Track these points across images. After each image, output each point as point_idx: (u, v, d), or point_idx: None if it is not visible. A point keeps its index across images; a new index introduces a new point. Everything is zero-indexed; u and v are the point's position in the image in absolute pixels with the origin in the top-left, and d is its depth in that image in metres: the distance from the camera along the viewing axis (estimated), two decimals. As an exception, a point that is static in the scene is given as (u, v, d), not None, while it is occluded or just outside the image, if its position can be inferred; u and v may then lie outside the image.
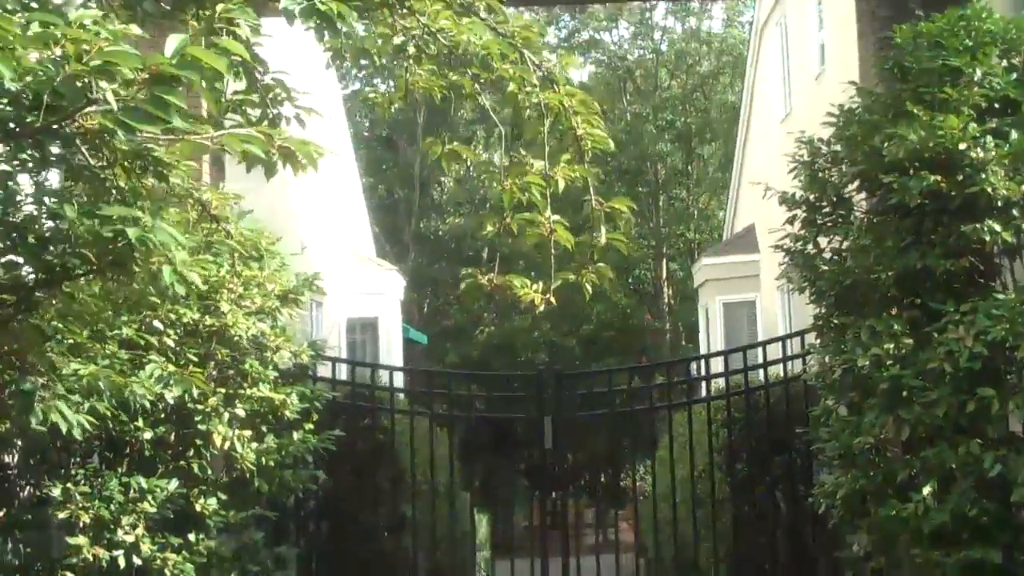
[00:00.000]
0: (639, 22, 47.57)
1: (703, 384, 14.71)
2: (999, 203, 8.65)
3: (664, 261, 45.35)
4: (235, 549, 9.55)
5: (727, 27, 47.06)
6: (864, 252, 9.22)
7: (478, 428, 19.65)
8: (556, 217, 7.57)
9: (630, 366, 21.90)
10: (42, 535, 8.86)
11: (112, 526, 8.68)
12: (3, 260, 6.00)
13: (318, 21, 5.90)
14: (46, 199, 5.91)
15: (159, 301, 8.26)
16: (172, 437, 9.43)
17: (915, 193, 8.75)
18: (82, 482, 8.87)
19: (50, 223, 5.90)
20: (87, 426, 7.18)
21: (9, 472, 8.98)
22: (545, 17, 45.45)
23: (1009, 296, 8.51)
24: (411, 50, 7.63)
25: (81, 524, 8.60)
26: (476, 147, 41.70)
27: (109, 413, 8.02)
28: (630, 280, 45.65)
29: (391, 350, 25.31)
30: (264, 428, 10.09)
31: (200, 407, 9.38)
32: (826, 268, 9.59)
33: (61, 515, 8.61)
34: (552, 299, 7.67)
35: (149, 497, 8.85)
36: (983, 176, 8.59)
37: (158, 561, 8.82)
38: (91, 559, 8.52)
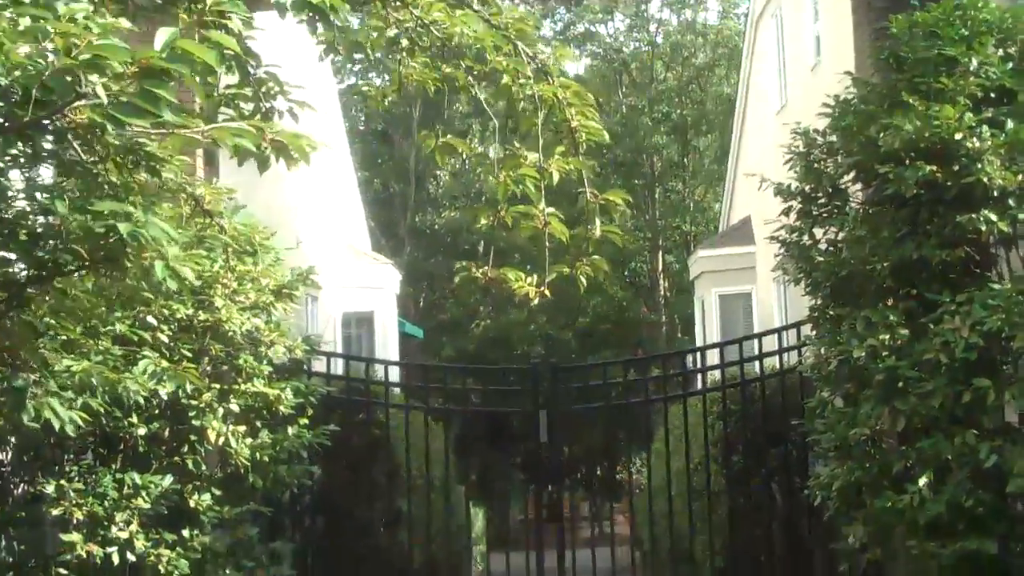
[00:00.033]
0: (634, 14, 47.50)
1: (699, 376, 14.69)
2: (995, 193, 8.65)
3: (660, 253, 45.30)
4: (229, 545, 9.53)
5: (722, 19, 46.96)
6: (860, 243, 9.21)
7: (474, 422, 19.59)
8: (551, 210, 7.56)
9: (626, 359, 21.80)
10: (36, 532, 8.86)
11: (106, 522, 8.67)
12: (-5, 256, 5.98)
13: (310, 14, 5.88)
14: (37, 195, 5.88)
15: (152, 297, 8.23)
16: (166, 433, 9.41)
17: (911, 183, 8.74)
18: (76, 479, 8.87)
19: (41, 219, 5.87)
20: (80, 423, 7.15)
21: (3, 469, 8.97)
22: (540, 10, 45.41)
23: (1005, 286, 8.50)
24: (404, 43, 7.61)
25: (75, 521, 8.59)
26: (472, 141, 41.61)
27: (102, 409, 8.00)
28: (626, 273, 45.60)
29: (387, 344, 25.27)
30: (258, 423, 10.07)
31: (194, 403, 9.36)
32: (822, 259, 9.58)
33: (55, 512, 8.62)
34: (546, 292, 7.67)
35: (143, 493, 8.83)
36: (979, 166, 8.58)
37: (152, 557, 8.80)
38: (85, 556, 8.51)
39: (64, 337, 7.22)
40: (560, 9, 48.13)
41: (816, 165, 9.88)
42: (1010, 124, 8.81)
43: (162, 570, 8.82)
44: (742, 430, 14.02)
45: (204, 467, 9.54)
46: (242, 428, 9.73)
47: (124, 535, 8.66)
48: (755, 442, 13.86)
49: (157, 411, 9.24)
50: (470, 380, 16.37)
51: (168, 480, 9.02)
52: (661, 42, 47.43)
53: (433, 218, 46.52)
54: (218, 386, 9.68)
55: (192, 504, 9.29)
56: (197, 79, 4.83)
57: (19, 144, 5.29)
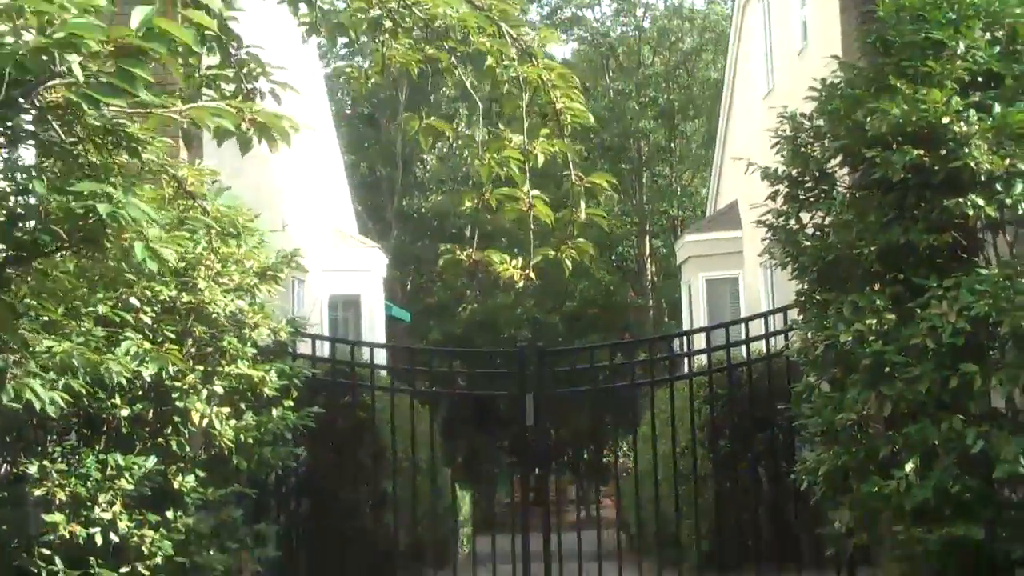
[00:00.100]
0: (621, -1, 47.53)
1: (686, 361, 14.67)
2: (982, 177, 8.63)
3: (647, 238, 45.31)
4: (213, 526, 9.50)
5: (709, 3, 46.97)
6: (847, 227, 9.19)
7: (460, 405, 19.56)
8: (536, 192, 7.52)
9: (613, 343, 21.78)
10: (18, 512, 8.81)
11: (89, 503, 8.63)
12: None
13: (292, -6, 5.84)
14: (16, 175, 5.84)
15: (135, 278, 8.17)
16: (150, 414, 9.37)
17: (898, 167, 8.72)
18: (59, 459, 8.83)
19: (21, 199, 5.83)
20: (61, 403, 7.10)
21: (-15, 450, 8.93)
22: (528, -6, 45.34)
23: (992, 271, 8.49)
24: (387, 24, 7.55)
25: (57, 501, 8.55)
26: (459, 125, 41.52)
27: (85, 390, 7.95)
28: (613, 257, 45.63)
29: (374, 328, 25.23)
30: (243, 405, 10.03)
31: (178, 384, 9.33)
32: (808, 244, 9.57)
33: (38, 492, 8.57)
34: (532, 275, 7.63)
35: (126, 474, 8.79)
36: (966, 150, 8.56)
37: (135, 538, 8.77)
38: (68, 536, 8.47)
39: (45, 318, 7.17)
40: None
41: (803, 149, 9.87)
42: (997, 108, 8.80)
43: (145, 551, 8.79)
44: (729, 414, 14.03)
45: (188, 448, 9.50)
46: (226, 410, 9.69)
47: (107, 516, 8.63)
48: (742, 426, 13.87)
49: (140, 392, 9.20)
50: (457, 363, 16.35)
51: (152, 461, 8.99)
52: (648, 27, 47.44)
53: (420, 202, 46.46)
54: (202, 368, 9.65)
55: (176, 485, 9.26)
56: (177, 59, 4.79)
57: (-5, 124, 5.25)
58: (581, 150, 7.82)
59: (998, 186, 8.66)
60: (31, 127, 5.38)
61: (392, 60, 7.85)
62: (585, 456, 38.18)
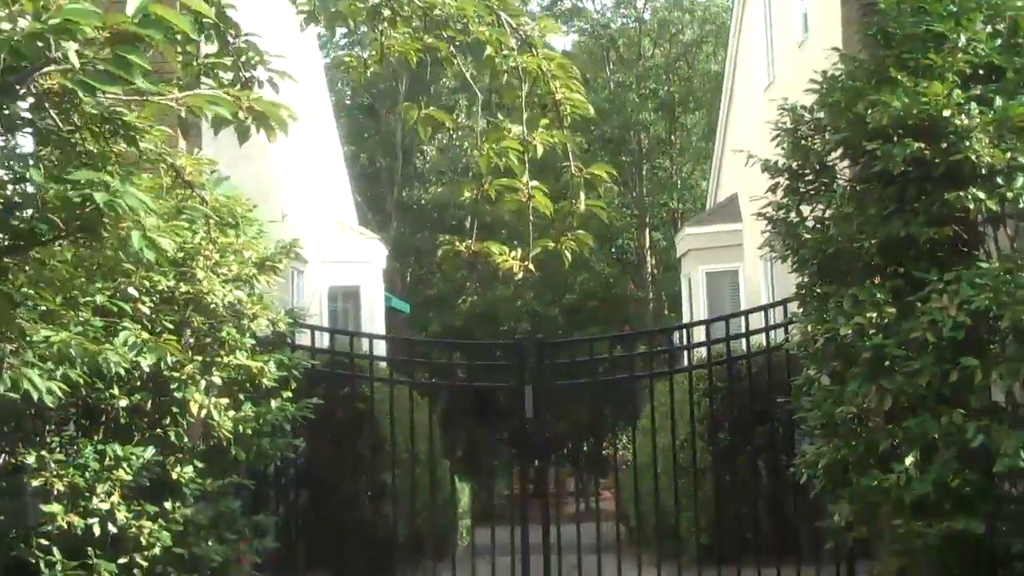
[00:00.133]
0: (622, -10, 47.48)
1: (685, 353, 14.66)
2: (983, 170, 8.61)
3: (647, 230, 45.33)
4: (212, 517, 9.48)
5: (710, -5, 46.98)
6: (847, 220, 9.17)
7: (460, 397, 19.56)
8: (535, 183, 7.50)
9: (612, 335, 21.79)
10: (17, 503, 8.79)
11: (87, 494, 8.63)
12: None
13: (290, -18, 5.81)
14: (13, 163, 5.81)
15: (133, 268, 8.15)
16: (148, 405, 9.35)
17: (899, 160, 8.70)
18: (57, 450, 8.82)
19: (18, 187, 5.81)
20: (59, 393, 7.08)
21: (-17, 440, 8.91)
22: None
23: (993, 265, 8.47)
24: (386, 12, 7.53)
25: (56, 492, 8.54)
26: (458, 116, 41.52)
27: (82, 380, 7.93)
28: (613, 249, 45.67)
29: (373, 319, 25.24)
30: (241, 396, 10.02)
31: (176, 375, 9.30)
32: (809, 236, 9.55)
33: (36, 483, 8.56)
34: (531, 266, 7.61)
35: (124, 465, 8.78)
36: (967, 143, 8.54)
37: (133, 529, 8.76)
38: (66, 526, 8.46)
39: (43, 307, 7.14)
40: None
41: (803, 142, 9.85)
42: (999, 101, 8.77)
43: (143, 542, 8.78)
44: (728, 407, 14.02)
45: (186, 439, 9.49)
46: (225, 400, 9.68)
47: (105, 506, 8.62)
48: (741, 419, 13.86)
49: (139, 383, 9.18)
50: (456, 355, 16.32)
51: (150, 452, 8.97)
52: (649, 18, 47.42)
53: (420, 193, 46.48)
54: (200, 358, 9.62)
55: (174, 476, 9.24)
56: (175, 47, 4.76)
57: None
58: (581, 142, 7.80)
59: (999, 179, 8.64)
60: (28, 114, 5.36)
61: (391, 49, 7.83)
62: (584, 448, 38.25)
